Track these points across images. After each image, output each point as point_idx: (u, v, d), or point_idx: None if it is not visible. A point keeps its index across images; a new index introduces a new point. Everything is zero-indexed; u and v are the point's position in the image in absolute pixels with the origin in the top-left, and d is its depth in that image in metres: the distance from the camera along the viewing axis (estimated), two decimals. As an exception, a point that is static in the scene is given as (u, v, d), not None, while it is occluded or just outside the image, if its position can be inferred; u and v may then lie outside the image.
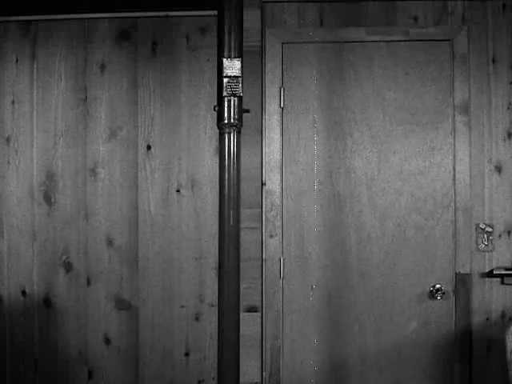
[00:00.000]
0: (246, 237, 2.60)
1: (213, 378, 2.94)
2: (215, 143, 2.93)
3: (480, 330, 2.85)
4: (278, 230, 2.91)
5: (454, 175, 2.87)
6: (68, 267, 3.01)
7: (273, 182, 2.92)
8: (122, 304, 2.99)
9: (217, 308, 2.31)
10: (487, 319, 2.85)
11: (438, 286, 2.83)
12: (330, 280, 2.89)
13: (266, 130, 2.93)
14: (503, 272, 2.82)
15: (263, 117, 2.92)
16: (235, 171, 2.25)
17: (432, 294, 2.84)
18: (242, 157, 2.30)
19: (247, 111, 2.29)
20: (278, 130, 2.92)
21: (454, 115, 2.87)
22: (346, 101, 2.91)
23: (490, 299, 2.85)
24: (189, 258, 2.96)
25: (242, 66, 2.23)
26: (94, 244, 3.00)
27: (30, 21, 3.02)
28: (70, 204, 3.01)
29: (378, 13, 2.91)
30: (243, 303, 2.72)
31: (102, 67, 3.00)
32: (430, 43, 2.89)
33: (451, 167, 2.87)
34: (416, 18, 2.90)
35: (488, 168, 2.87)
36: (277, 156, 2.92)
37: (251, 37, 2.85)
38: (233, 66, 2.23)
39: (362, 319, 2.89)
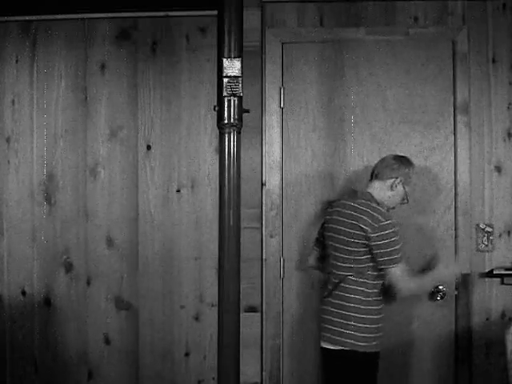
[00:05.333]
0: (245, 237, 2.60)
1: (213, 378, 2.94)
2: (215, 143, 2.92)
3: (480, 330, 2.84)
4: (278, 230, 2.91)
5: (455, 175, 2.87)
6: (68, 267, 3.01)
7: (273, 182, 2.92)
8: (121, 304, 2.99)
9: (217, 308, 2.31)
10: (487, 319, 2.85)
11: (439, 286, 2.83)
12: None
13: (266, 130, 2.93)
14: (503, 272, 2.82)
15: (263, 117, 2.92)
16: (235, 171, 2.25)
17: (432, 295, 2.84)
18: (242, 157, 2.30)
19: (247, 111, 2.29)
20: (277, 130, 2.92)
21: (454, 115, 2.87)
22: (346, 100, 2.91)
23: (490, 299, 2.85)
24: (189, 258, 2.96)
25: (242, 66, 2.23)
26: (93, 244, 3.00)
27: (30, 21, 3.02)
28: (70, 204, 3.01)
29: (377, 13, 2.91)
30: (243, 303, 2.72)
31: (102, 67, 3.00)
32: (430, 43, 2.89)
33: (452, 167, 2.87)
34: (416, 18, 2.90)
35: (488, 168, 2.87)
36: (277, 156, 2.92)
37: (251, 37, 2.85)
38: (233, 66, 2.23)
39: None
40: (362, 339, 2.43)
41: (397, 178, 2.55)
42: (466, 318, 2.85)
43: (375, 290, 2.47)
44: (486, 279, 2.85)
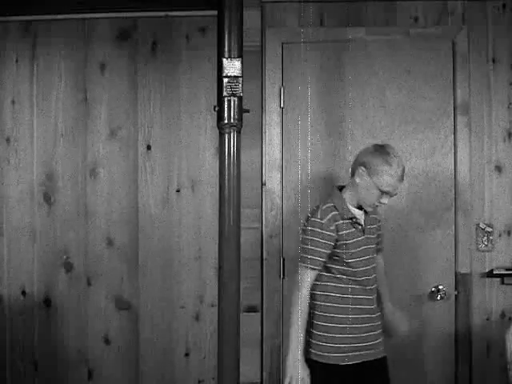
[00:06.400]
0: (246, 237, 2.60)
1: (213, 378, 2.94)
2: (215, 143, 2.92)
3: (480, 330, 2.85)
4: (278, 230, 2.91)
5: (455, 175, 2.87)
6: (68, 267, 3.01)
7: (273, 182, 2.92)
8: (121, 304, 2.99)
9: (217, 308, 2.31)
10: (487, 319, 2.85)
11: (439, 286, 2.83)
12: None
13: (266, 130, 2.92)
14: (503, 272, 2.83)
15: (263, 117, 2.92)
16: (235, 171, 2.26)
17: (433, 295, 2.84)
18: (242, 157, 2.30)
19: (247, 111, 2.29)
20: (277, 130, 2.92)
21: (454, 115, 2.87)
22: (346, 100, 2.91)
23: (490, 299, 2.85)
24: (189, 258, 2.96)
25: (242, 66, 2.23)
26: (93, 244, 2.99)
27: (30, 21, 3.02)
28: (70, 204, 3.01)
29: (378, 13, 2.91)
30: (243, 303, 2.72)
31: (102, 67, 3.00)
32: (430, 43, 2.89)
33: (452, 167, 2.87)
34: (416, 18, 2.90)
35: (488, 168, 2.87)
36: (277, 156, 2.92)
37: (251, 37, 2.84)
38: (233, 66, 2.23)
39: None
40: (316, 347, 2.32)
41: (357, 169, 2.30)
42: (465, 318, 2.85)
43: (342, 295, 2.32)
44: (486, 279, 2.85)
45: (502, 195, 2.86)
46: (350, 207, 2.37)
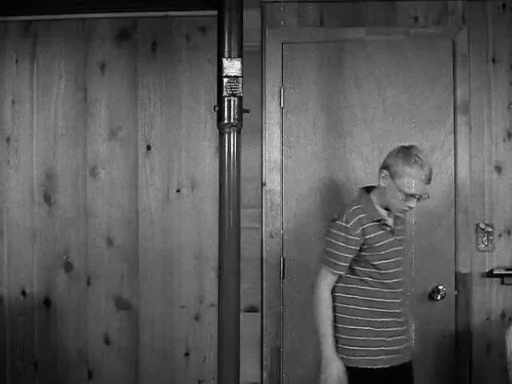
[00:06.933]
0: (245, 237, 2.60)
1: (213, 378, 2.94)
2: (215, 143, 2.92)
3: (480, 330, 2.85)
4: (278, 230, 2.91)
5: (455, 175, 2.87)
6: (68, 267, 3.01)
7: (273, 181, 2.92)
8: (121, 304, 2.99)
9: (217, 308, 2.31)
10: (487, 319, 2.85)
11: (439, 286, 2.83)
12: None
13: (266, 130, 2.92)
14: (503, 272, 2.83)
15: (263, 117, 2.92)
16: (235, 171, 2.26)
17: (433, 295, 2.84)
18: (242, 157, 2.30)
19: (247, 111, 2.30)
20: (277, 130, 2.92)
21: (454, 115, 2.87)
22: (346, 100, 2.91)
23: (490, 299, 2.85)
24: (189, 258, 2.96)
25: (242, 66, 2.24)
26: (93, 244, 2.99)
27: (30, 21, 3.02)
28: (70, 204, 3.01)
29: (377, 13, 2.91)
30: (243, 303, 2.71)
31: (102, 67, 3.00)
32: (430, 43, 2.89)
33: (452, 167, 2.87)
34: (416, 18, 2.90)
35: (488, 168, 2.87)
36: (277, 156, 2.92)
37: (251, 37, 2.85)
38: (233, 66, 2.23)
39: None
40: (339, 350, 2.29)
41: (381, 171, 2.28)
42: (465, 318, 2.84)
43: (366, 297, 2.30)
44: (486, 279, 2.85)
45: (502, 195, 2.86)
46: (379, 208, 2.32)
